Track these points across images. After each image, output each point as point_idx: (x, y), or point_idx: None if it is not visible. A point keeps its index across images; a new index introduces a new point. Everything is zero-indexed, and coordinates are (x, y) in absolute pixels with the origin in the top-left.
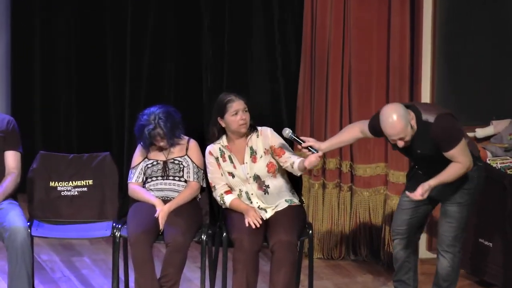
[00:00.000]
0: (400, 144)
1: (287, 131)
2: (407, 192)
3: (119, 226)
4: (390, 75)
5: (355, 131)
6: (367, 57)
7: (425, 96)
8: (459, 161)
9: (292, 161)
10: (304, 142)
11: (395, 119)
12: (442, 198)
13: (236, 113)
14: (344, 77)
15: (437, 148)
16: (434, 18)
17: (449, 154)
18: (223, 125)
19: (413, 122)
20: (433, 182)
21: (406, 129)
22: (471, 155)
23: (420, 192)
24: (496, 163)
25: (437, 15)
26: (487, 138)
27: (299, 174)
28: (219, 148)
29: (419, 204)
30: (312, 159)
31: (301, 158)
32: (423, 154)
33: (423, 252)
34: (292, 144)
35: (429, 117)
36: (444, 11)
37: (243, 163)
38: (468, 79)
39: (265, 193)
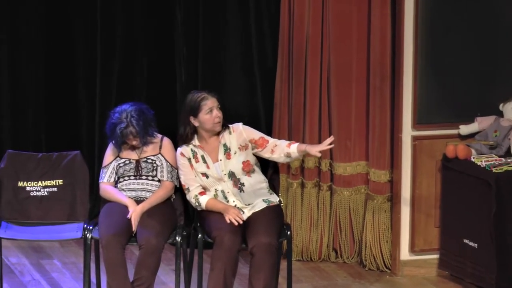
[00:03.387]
0: None
1: None
2: None
3: (91, 227)
4: (371, 71)
5: None
6: (347, 52)
7: (407, 92)
8: None
9: (282, 147)
10: None
11: None
12: None
13: (210, 110)
14: (323, 73)
15: None
16: (416, 13)
17: None
18: (196, 124)
19: None
20: None
21: None
22: None
23: None
24: (481, 161)
25: (419, 10)
26: (472, 135)
27: (298, 157)
28: (191, 149)
29: None
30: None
31: (292, 142)
32: None
33: (405, 254)
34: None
35: None
36: (426, 6)
37: (217, 161)
38: (452, 75)
39: (240, 191)
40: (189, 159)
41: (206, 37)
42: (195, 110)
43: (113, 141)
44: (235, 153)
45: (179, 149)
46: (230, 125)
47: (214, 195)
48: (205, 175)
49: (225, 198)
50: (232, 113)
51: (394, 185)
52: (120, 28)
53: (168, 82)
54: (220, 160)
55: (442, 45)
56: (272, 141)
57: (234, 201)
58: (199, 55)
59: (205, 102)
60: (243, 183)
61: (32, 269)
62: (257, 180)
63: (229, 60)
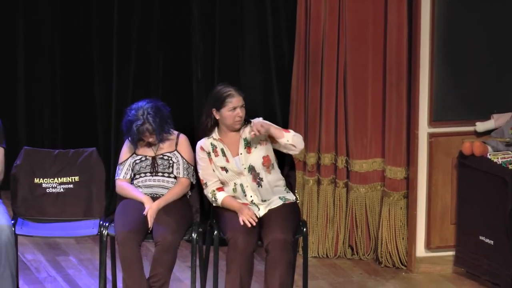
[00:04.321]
0: None
1: None
2: None
3: (106, 224)
4: (387, 69)
5: None
6: (363, 50)
7: (424, 89)
8: None
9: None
10: None
11: None
12: None
13: (234, 109)
14: (340, 70)
15: None
16: (433, 11)
17: None
18: (217, 117)
19: None
20: None
21: None
22: None
23: None
24: (497, 158)
25: (435, 8)
26: (488, 133)
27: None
28: (211, 143)
29: None
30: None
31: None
32: None
33: (421, 251)
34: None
35: None
36: (442, 4)
37: (237, 155)
38: (468, 73)
39: (258, 186)
40: (209, 153)
41: (223, 34)
42: (219, 104)
43: (129, 138)
44: (255, 147)
45: (199, 142)
46: (251, 120)
47: (233, 189)
48: (225, 169)
49: (243, 192)
50: (248, 111)
51: (410, 182)
52: (137, 25)
53: (185, 79)
54: (241, 154)
55: (458, 42)
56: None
57: (251, 196)
58: (216, 52)
59: (230, 99)
60: (262, 178)
61: (48, 266)
62: (275, 178)
63: (246, 57)
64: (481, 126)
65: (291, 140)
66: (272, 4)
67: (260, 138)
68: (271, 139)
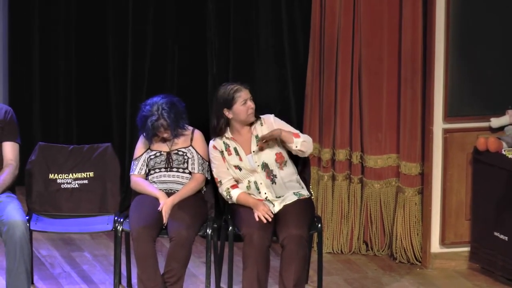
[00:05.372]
0: None
1: None
2: None
3: (121, 220)
4: (402, 64)
5: None
6: (378, 45)
7: (439, 85)
8: None
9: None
10: None
11: None
12: None
13: (245, 102)
14: (354, 66)
15: None
16: (448, 6)
17: None
18: (230, 116)
19: None
20: None
21: None
22: None
23: None
24: None
25: (450, 2)
26: (502, 128)
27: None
28: (224, 142)
29: None
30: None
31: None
32: None
33: (435, 247)
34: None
35: None
36: None
37: (250, 153)
38: (483, 68)
39: (272, 183)
40: (222, 152)
41: (238, 29)
42: (229, 102)
43: (144, 134)
44: (268, 144)
45: (211, 142)
46: (261, 116)
47: (247, 186)
48: (238, 167)
49: (258, 189)
50: (263, 106)
51: (425, 177)
52: (152, 20)
53: (200, 74)
54: (253, 151)
55: (473, 37)
56: (295, 133)
57: (265, 193)
58: (231, 47)
59: (239, 94)
60: (276, 175)
61: (63, 262)
62: (289, 173)
63: (261, 52)
64: (496, 122)
65: (299, 146)
66: None
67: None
68: (282, 141)
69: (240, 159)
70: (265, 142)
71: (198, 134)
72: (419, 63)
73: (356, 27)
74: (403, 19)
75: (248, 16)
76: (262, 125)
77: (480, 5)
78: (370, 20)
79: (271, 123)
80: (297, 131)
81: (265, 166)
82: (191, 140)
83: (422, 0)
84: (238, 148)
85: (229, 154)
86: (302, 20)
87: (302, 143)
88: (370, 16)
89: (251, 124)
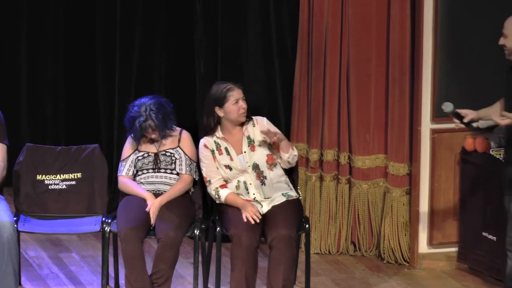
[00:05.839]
0: (500, 40)
1: (450, 107)
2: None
3: (109, 220)
4: (390, 65)
5: None
6: (366, 45)
7: (427, 85)
8: None
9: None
10: (464, 117)
11: None
12: None
13: (236, 101)
14: (342, 66)
15: None
16: (436, 7)
17: None
18: (222, 114)
19: None
20: None
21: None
22: None
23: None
24: (500, 154)
25: (438, 3)
26: (490, 129)
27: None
28: (214, 141)
29: None
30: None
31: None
32: None
33: (423, 247)
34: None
35: None
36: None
37: (241, 153)
38: (471, 69)
39: (262, 184)
40: (212, 151)
41: (225, 29)
42: (221, 100)
43: (132, 135)
44: (259, 145)
45: (202, 140)
46: (253, 117)
47: (236, 186)
48: (228, 167)
49: (246, 189)
50: (251, 106)
51: (412, 178)
52: (140, 21)
53: (188, 75)
54: (245, 152)
55: (461, 38)
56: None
57: (254, 194)
58: (218, 47)
59: (231, 93)
60: (266, 176)
61: (50, 263)
62: (278, 174)
63: (249, 52)
64: (483, 123)
65: (291, 158)
66: None
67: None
68: (274, 145)
69: (231, 159)
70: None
71: (186, 135)
72: (407, 63)
73: (344, 27)
74: (391, 20)
75: (236, 17)
76: (254, 126)
77: (468, 6)
78: (358, 20)
79: (263, 125)
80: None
81: (256, 167)
82: (179, 141)
83: (410, 0)
84: (229, 148)
85: (220, 153)
86: (290, 21)
87: (294, 157)
88: (358, 16)
89: (242, 124)
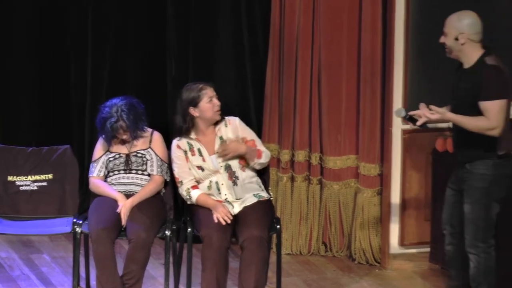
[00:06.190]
0: (441, 38)
1: (403, 113)
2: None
3: (80, 221)
4: (362, 65)
5: None
6: (338, 46)
7: (398, 86)
8: (489, 117)
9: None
10: (417, 120)
11: (460, 12)
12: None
13: (210, 99)
14: (314, 66)
15: (475, 94)
16: (407, 8)
17: (484, 105)
18: (196, 114)
19: (464, 40)
20: (450, 114)
21: (453, 24)
22: (498, 146)
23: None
24: None
25: (410, 4)
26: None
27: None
28: (187, 142)
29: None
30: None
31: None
32: (461, 94)
33: (394, 247)
34: (259, 136)
35: (491, 62)
36: (417, 0)
37: (213, 153)
38: (442, 70)
39: (234, 184)
40: (185, 152)
41: (197, 31)
42: (195, 100)
43: (103, 136)
44: (226, 157)
45: (175, 141)
46: (226, 117)
47: (208, 186)
48: (201, 168)
49: (218, 190)
50: (223, 106)
51: (384, 178)
52: (112, 22)
53: (159, 76)
54: (217, 152)
55: (433, 39)
56: (259, 149)
57: (226, 194)
58: (190, 48)
59: (205, 91)
60: (238, 176)
61: (22, 264)
62: (250, 175)
63: (220, 53)
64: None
65: (257, 166)
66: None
67: (234, 136)
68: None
69: (203, 160)
70: (225, 155)
71: (157, 135)
72: (379, 64)
73: (316, 28)
74: (362, 20)
75: (208, 18)
76: (226, 126)
77: (439, 7)
78: (330, 21)
79: (236, 125)
80: (260, 147)
81: (228, 168)
82: (150, 142)
83: (382, 1)
84: (201, 149)
85: (193, 154)
86: (262, 21)
87: (260, 164)
88: (329, 17)
89: (215, 124)
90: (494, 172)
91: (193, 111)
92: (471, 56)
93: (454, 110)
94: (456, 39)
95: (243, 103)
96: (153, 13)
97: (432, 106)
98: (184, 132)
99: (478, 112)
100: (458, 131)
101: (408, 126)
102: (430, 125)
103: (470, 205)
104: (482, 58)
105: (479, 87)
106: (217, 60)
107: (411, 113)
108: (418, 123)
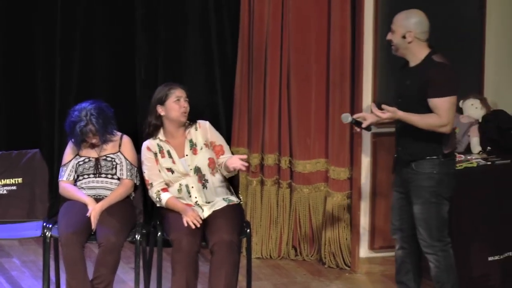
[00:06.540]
0: (388, 35)
1: (349, 119)
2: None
3: (50, 226)
4: (331, 68)
5: None
6: (307, 49)
7: (367, 89)
8: (440, 114)
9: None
10: (362, 123)
11: (408, 11)
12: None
13: (178, 99)
14: (283, 69)
15: (424, 91)
16: (376, 9)
17: (434, 102)
18: (163, 113)
19: (411, 38)
20: (401, 113)
21: (400, 22)
22: (444, 144)
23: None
24: None
25: (379, 6)
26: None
27: (225, 174)
28: (157, 144)
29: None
30: (237, 165)
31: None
32: (408, 93)
33: (364, 251)
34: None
35: (438, 59)
36: (386, 1)
37: (183, 156)
38: None
39: (203, 187)
40: (155, 154)
41: (166, 34)
42: (162, 98)
43: (73, 139)
44: (201, 149)
45: (145, 143)
46: (197, 121)
47: (178, 189)
48: (170, 170)
49: (188, 193)
50: (192, 110)
51: (353, 182)
52: (80, 25)
53: (128, 80)
54: (187, 155)
55: None
56: (226, 155)
57: (196, 197)
58: (159, 51)
59: (173, 91)
60: (207, 179)
61: None
62: (220, 179)
63: (189, 57)
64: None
65: (225, 173)
66: (215, 2)
67: (204, 139)
68: (214, 150)
69: (173, 162)
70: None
71: (126, 139)
72: (348, 66)
73: (285, 31)
74: (331, 22)
75: (176, 21)
76: (196, 130)
77: (408, 7)
78: (299, 24)
79: (206, 129)
80: (227, 154)
81: (197, 170)
82: (120, 145)
83: (351, 2)
84: (171, 151)
85: (162, 156)
86: (231, 24)
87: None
88: (298, 20)
89: (186, 127)
90: (441, 170)
91: (160, 110)
92: (418, 55)
93: (400, 109)
94: (404, 37)
95: (213, 106)
96: (122, 16)
97: (383, 105)
98: (152, 130)
99: (426, 110)
100: (403, 130)
101: (378, 130)
102: (373, 128)
103: (420, 205)
104: (429, 56)
105: (427, 85)
106: (186, 63)
107: (355, 116)
108: (363, 125)
